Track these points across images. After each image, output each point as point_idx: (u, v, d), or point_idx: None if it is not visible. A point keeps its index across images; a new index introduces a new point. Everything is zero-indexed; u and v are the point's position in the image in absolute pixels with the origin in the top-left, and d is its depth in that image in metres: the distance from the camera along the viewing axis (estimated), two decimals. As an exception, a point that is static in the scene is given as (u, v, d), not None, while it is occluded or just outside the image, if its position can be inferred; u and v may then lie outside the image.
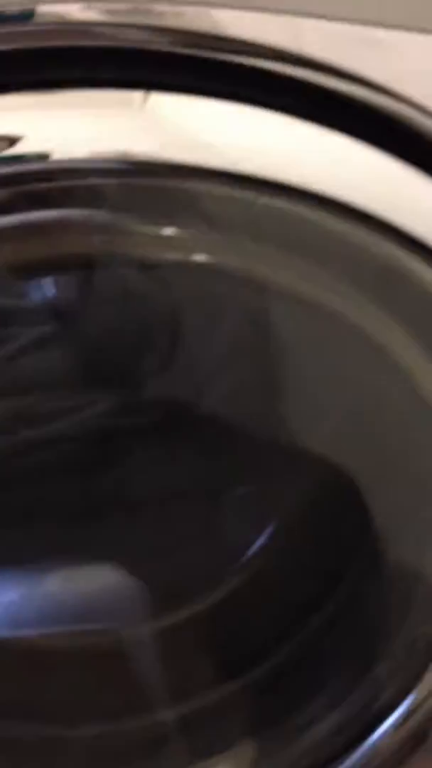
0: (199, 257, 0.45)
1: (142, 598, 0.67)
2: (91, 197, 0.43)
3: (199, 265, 0.45)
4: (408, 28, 0.42)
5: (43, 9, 0.37)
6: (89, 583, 0.66)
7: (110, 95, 0.39)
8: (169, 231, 0.45)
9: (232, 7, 0.38)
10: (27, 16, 0.39)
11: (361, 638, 0.63)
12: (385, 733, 0.62)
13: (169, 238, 0.45)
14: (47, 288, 0.53)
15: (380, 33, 0.41)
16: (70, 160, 0.39)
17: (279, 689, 0.66)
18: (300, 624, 0.65)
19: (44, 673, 0.67)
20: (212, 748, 0.66)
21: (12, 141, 0.38)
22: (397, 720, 0.61)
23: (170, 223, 0.44)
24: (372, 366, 0.50)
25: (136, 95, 0.39)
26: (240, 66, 0.40)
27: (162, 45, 0.39)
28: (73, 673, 0.67)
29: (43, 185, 0.40)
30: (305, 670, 0.65)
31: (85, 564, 0.66)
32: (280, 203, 0.42)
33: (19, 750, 0.65)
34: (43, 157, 0.39)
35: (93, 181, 0.41)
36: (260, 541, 0.65)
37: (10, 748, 0.65)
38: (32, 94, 0.39)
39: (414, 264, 0.46)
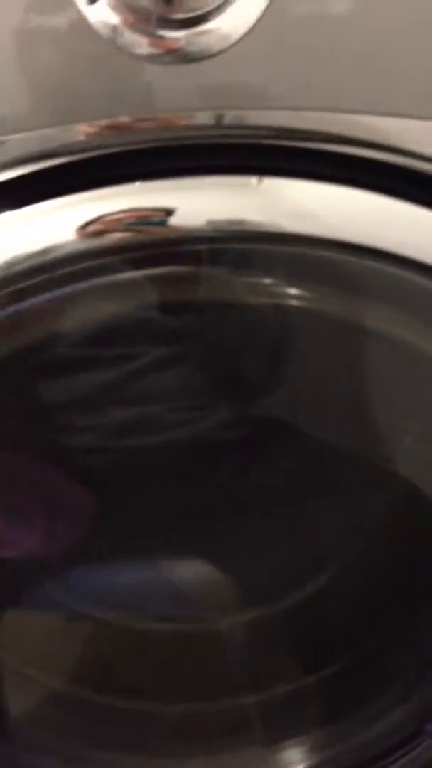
0: (295, 302, 0.54)
1: (232, 592, 0.73)
2: (215, 257, 0.52)
3: (293, 308, 0.54)
4: None
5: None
6: (186, 575, 0.72)
7: (234, 179, 0.49)
8: (276, 283, 0.54)
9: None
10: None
11: (429, 637, 0.68)
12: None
13: (271, 287, 0.54)
14: (174, 319, 0.60)
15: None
16: (192, 229, 0.50)
17: (352, 684, 0.71)
18: (374, 625, 0.71)
19: (141, 652, 0.74)
20: (286, 734, 0.71)
21: (168, 212, 0.49)
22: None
23: (278, 277, 0.54)
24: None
25: (253, 179, 0.49)
26: (339, 154, 0.49)
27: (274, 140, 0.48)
28: (166, 654, 0.73)
29: (186, 247, 0.51)
30: (377, 667, 0.71)
31: (183, 558, 0.72)
32: (370, 263, 0.51)
33: (114, 721, 0.72)
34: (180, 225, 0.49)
35: (217, 245, 0.51)
36: (342, 546, 0.71)
37: (106, 719, 0.72)
38: (178, 179, 0.49)
39: None
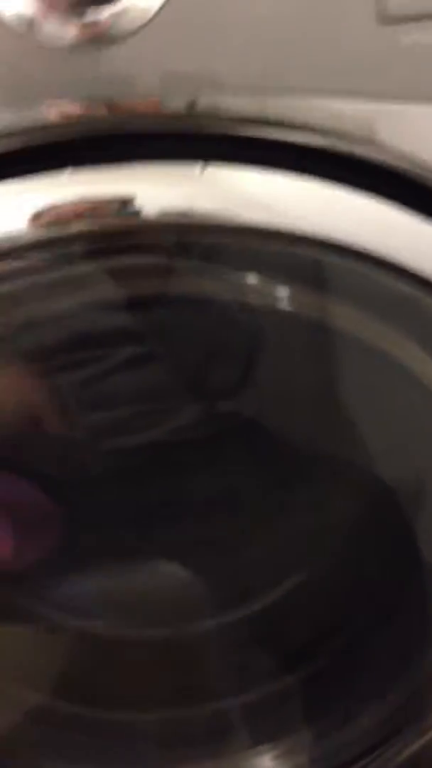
0: (265, 300, 0.53)
1: (206, 595, 0.72)
2: (183, 249, 0.51)
3: (264, 305, 0.54)
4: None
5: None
6: (158, 579, 0.71)
7: (177, 168, 0.48)
8: (247, 280, 0.53)
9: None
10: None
11: (406, 634, 0.68)
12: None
13: (242, 284, 0.53)
14: (136, 316, 0.58)
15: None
16: (160, 220, 0.48)
17: (332, 681, 0.71)
18: (351, 622, 0.70)
19: (116, 661, 0.73)
20: (271, 735, 0.71)
21: (126, 201, 0.47)
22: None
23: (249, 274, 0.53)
24: (417, 402, 0.57)
25: (196, 167, 0.48)
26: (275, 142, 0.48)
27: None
28: (143, 662, 0.72)
29: (152, 239, 0.49)
30: (356, 664, 0.70)
31: (154, 562, 0.71)
32: (335, 260, 0.50)
33: (93, 732, 0.71)
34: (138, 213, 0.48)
35: (184, 238, 0.50)
36: (315, 545, 0.70)
37: (84, 731, 0.71)
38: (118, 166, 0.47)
39: None
